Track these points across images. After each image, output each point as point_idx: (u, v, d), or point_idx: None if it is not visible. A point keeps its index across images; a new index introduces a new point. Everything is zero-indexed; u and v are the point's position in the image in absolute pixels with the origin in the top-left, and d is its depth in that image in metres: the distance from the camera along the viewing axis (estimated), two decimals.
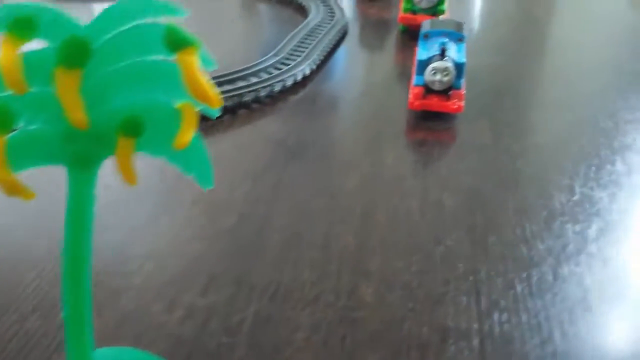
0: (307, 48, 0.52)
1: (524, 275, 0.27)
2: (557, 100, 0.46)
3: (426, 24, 0.47)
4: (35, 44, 0.15)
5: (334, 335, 0.24)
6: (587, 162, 0.37)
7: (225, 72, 0.46)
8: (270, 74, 0.47)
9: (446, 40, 0.44)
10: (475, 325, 0.25)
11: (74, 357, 0.19)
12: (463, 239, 0.30)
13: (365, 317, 0.25)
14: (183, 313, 0.25)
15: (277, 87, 0.46)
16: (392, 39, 0.59)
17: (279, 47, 0.52)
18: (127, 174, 0.17)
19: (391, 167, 0.36)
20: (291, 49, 0.52)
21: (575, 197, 0.33)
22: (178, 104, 0.18)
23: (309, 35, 0.56)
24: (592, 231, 0.30)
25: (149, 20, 0.16)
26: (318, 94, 0.46)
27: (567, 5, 0.74)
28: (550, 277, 0.27)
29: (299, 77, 0.47)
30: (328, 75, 0.50)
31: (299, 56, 0.51)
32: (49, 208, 0.26)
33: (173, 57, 0.17)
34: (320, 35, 0.55)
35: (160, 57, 0.17)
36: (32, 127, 0.16)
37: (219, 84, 0.45)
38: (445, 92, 0.42)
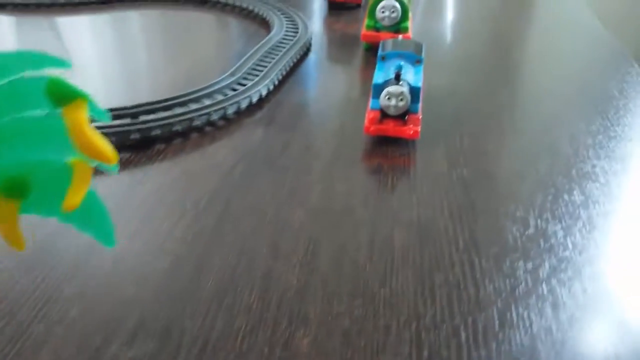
0: (266, 67, 0.51)
1: (470, 320, 0.26)
2: (517, 124, 0.45)
3: (384, 44, 0.46)
4: None
5: None
6: (544, 191, 0.36)
7: (178, 94, 0.44)
8: (225, 95, 0.46)
9: (403, 62, 0.43)
10: None
11: None
12: (409, 280, 0.28)
13: None
14: None
15: (231, 110, 0.44)
16: (356, 56, 0.58)
17: (236, 66, 0.50)
18: (12, 239, 0.16)
19: (342, 198, 0.35)
20: (249, 68, 0.51)
21: (529, 231, 0.32)
22: (69, 160, 0.16)
23: (270, 53, 0.54)
24: (544, 270, 0.29)
25: (29, 74, 0.15)
26: (273, 116, 0.45)
27: (535, 21, 0.74)
28: (496, 323, 0.26)
29: (255, 99, 0.46)
30: (286, 96, 0.48)
31: (257, 75, 0.49)
32: None
33: (59, 112, 0.15)
34: (281, 53, 0.54)
35: (44, 112, 0.15)
36: None
37: (170, 107, 0.43)
38: (402, 116, 0.41)
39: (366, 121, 0.41)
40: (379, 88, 0.41)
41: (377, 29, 0.56)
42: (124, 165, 0.38)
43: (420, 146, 0.41)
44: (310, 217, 0.33)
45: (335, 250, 0.30)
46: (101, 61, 0.56)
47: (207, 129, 0.43)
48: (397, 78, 0.40)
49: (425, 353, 0.24)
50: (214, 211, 0.33)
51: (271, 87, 0.48)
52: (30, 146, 0.16)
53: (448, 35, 0.65)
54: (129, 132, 0.39)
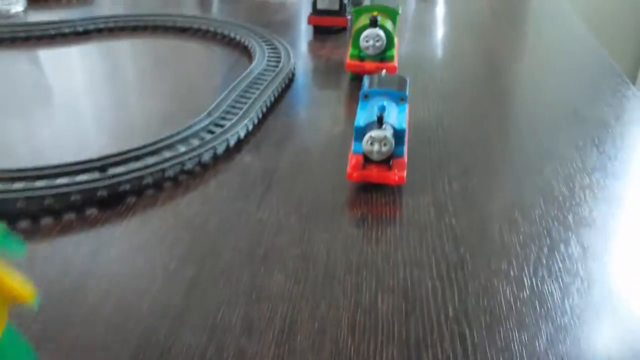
0: (245, 103, 0.49)
1: None
2: (507, 162, 0.42)
3: (366, 81, 0.43)
4: None
5: None
6: (538, 243, 0.33)
7: (150, 141, 0.42)
8: (202, 139, 0.43)
9: (386, 102, 0.40)
10: None
11: None
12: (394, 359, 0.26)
13: None
14: None
15: (207, 156, 0.42)
16: (342, 87, 0.56)
17: (213, 104, 0.48)
18: None
19: (322, 259, 0.32)
20: (228, 106, 0.48)
21: (523, 294, 0.30)
22: None
23: (250, 87, 0.52)
24: (541, 341, 0.27)
25: None
26: (252, 161, 0.42)
27: (526, 39, 0.72)
28: None
29: (233, 142, 0.44)
30: (265, 136, 0.46)
31: (236, 114, 0.47)
32: None
33: None
34: (261, 87, 0.52)
35: None
36: None
37: (142, 157, 0.41)
38: (386, 160, 0.38)
39: (349, 167, 0.38)
40: (361, 131, 0.38)
41: (362, 58, 0.54)
42: (90, 224, 0.35)
43: (406, 191, 0.38)
44: (287, 283, 0.30)
45: (314, 326, 0.28)
46: (72, 99, 0.54)
47: (182, 177, 0.40)
48: (380, 121, 0.37)
49: None
50: (184, 278, 0.31)
51: (250, 127, 0.46)
52: None
53: (435, 57, 0.63)
54: (96, 188, 0.37)
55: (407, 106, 0.42)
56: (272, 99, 0.51)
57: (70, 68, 0.62)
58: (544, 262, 0.32)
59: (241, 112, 0.47)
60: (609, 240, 0.34)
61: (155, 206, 0.37)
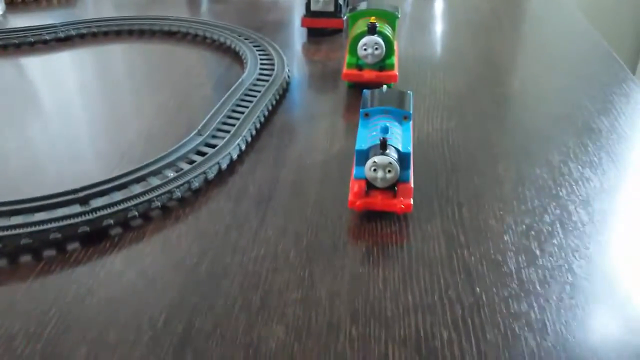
0: (237, 119, 0.46)
1: None
2: (517, 184, 0.40)
3: (367, 97, 0.40)
4: None
5: None
6: (559, 280, 0.31)
7: (136, 167, 0.39)
8: (191, 162, 0.40)
9: (389, 121, 0.37)
10: None
11: None
12: None
13: None
14: None
15: (198, 182, 0.39)
16: (339, 97, 0.52)
17: (204, 121, 0.45)
18: None
19: (326, 307, 0.29)
20: (219, 122, 0.45)
21: (547, 342, 0.27)
22: None
23: (242, 100, 0.49)
24: None
25: None
26: (245, 185, 0.39)
27: (531, 51, 0.69)
28: None
29: (225, 165, 0.41)
30: (260, 156, 0.43)
31: (228, 131, 0.44)
32: None
33: None
34: (254, 100, 0.49)
35: None
36: None
37: (126, 185, 0.38)
38: (391, 186, 0.36)
39: (350, 195, 0.35)
40: (364, 155, 0.36)
41: (360, 67, 0.51)
42: (70, 266, 0.32)
43: (413, 218, 0.36)
44: (288, 337, 0.28)
45: None
46: (51, 117, 0.50)
47: (171, 203, 0.38)
48: (384, 146, 0.34)
49: None
50: (174, 333, 0.28)
51: (243, 147, 0.43)
52: None
53: (435, 61, 0.60)
54: (77, 224, 0.34)
55: (411, 124, 0.39)
56: (266, 112, 0.48)
57: (49, 80, 0.58)
58: (567, 302, 0.29)
59: (233, 130, 0.44)
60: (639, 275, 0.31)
61: (142, 240, 0.34)
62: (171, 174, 0.39)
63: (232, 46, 0.62)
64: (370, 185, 0.36)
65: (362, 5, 0.54)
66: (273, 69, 0.55)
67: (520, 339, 0.27)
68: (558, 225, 0.35)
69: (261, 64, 0.56)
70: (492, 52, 0.63)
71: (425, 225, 0.35)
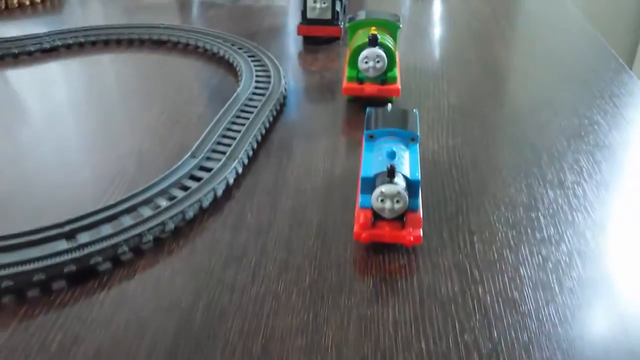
0: (233, 139, 0.43)
1: None
2: (534, 208, 0.37)
3: (371, 117, 0.38)
4: None
5: None
6: (581, 330, 0.29)
7: (125, 196, 0.37)
8: (185, 189, 0.38)
9: (395, 145, 0.35)
10: None
11: None
12: None
13: None
14: None
15: (192, 212, 0.36)
16: (339, 111, 0.50)
17: (197, 142, 0.43)
18: None
19: (333, 356, 0.27)
20: (214, 143, 0.43)
21: None
22: None
23: (238, 117, 0.47)
24: None
25: None
26: (243, 212, 0.37)
27: (535, 58, 0.67)
28: None
29: (220, 191, 0.38)
30: (257, 180, 0.40)
31: (224, 153, 0.42)
32: None
33: None
34: (250, 117, 0.46)
35: None
36: None
37: (116, 217, 0.35)
38: (399, 216, 0.33)
39: (356, 226, 0.33)
40: (369, 183, 0.33)
41: (361, 80, 0.49)
42: (55, 309, 0.30)
43: (422, 250, 0.34)
44: None
45: None
46: (35, 137, 0.48)
47: (164, 235, 0.35)
48: (391, 174, 0.32)
49: None
50: None
51: (240, 170, 0.41)
52: None
53: (437, 71, 0.57)
54: (62, 264, 0.31)
55: (418, 146, 0.37)
56: (263, 131, 0.46)
57: (33, 95, 0.55)
58: (587, 353, 0.27)
59: (229, 151, 0.42)
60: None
61: (133, 279, 0.32)
62: (164, 203, 0.36)
63: (226, 57, 0.59)
64: (376, 215, 0.34)
65: (361, 14, 0.52)
66: (269, 82, 0.53)
67: None
68: (576, 256, 0.33)
69: (257, 75, 0.54)
70: (492, 55, 0.60)
71: (436, 258, 0.33)
